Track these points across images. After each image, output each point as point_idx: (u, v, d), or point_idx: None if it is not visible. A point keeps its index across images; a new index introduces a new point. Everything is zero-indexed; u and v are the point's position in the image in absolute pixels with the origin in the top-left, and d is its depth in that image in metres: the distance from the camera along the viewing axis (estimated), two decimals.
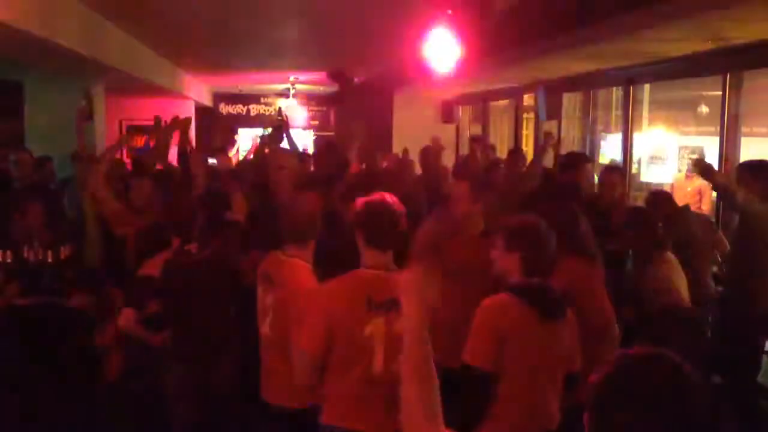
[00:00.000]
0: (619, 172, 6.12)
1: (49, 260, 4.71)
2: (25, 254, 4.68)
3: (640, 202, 7.03)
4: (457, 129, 14.40)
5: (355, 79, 11.91)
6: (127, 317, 3.73)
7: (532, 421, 2.89)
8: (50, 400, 1.54)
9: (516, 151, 7.93)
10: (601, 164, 8.17)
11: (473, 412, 2.91)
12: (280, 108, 12.02)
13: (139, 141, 12.96)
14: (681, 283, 4.42)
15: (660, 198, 5.39)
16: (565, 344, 2.93)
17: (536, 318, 2.86)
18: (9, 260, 4.66)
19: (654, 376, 1.49)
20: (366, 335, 2.81)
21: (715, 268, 5.48)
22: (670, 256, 4.49)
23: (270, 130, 7.61)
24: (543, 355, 2.87)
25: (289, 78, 13.45)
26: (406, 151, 7.54)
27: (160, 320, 3.87)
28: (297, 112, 16.69)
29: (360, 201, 3.04)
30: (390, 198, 3.03)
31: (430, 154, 7.07)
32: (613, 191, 5.52)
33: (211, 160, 5.75)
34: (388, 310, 2.82)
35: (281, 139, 7.15)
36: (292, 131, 7.28)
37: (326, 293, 2.91)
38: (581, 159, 6.18)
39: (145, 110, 11.75)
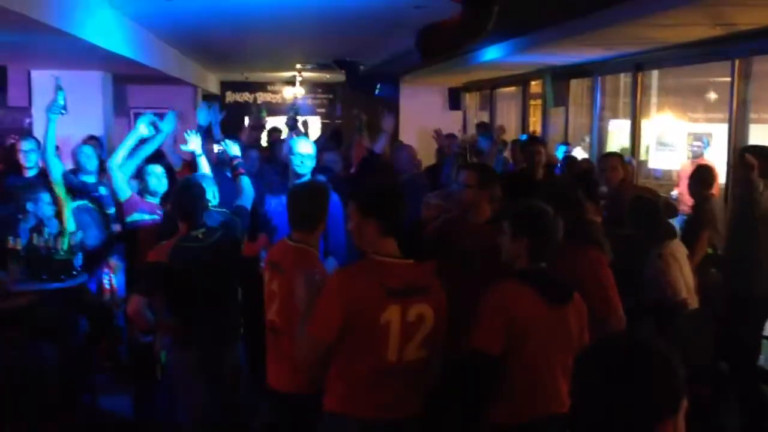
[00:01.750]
0: (619, 156, 6.15)
1: (59, 248, 4.75)
2: (36, 242, 4.73)
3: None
4: (464, 116, 14.37)
5: (361, 67, 11.87)
6: (135, 303, 3.74)
7: (541, 405, 2.90)
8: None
9: (534, 140, 7.82)
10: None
11: (480, 397, 2.92)
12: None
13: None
14: (681, 276, 4.39)
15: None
16: (573, 328, 2.94)
17: (544, 303, 2.87)
18: (20, 247, 4.71)
19: (617, 359, 1.53)
20: (382, 323, 2.75)
21: (710, 250, 5.45)
22: (674, 247, 4.46)
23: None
24: (551, 339, 2.88)
25: (295, 66, 13.44)
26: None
27: (169, 306, 3.89)
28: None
29: (372, 190, 3.01)
30: (398, 185, 3.04)
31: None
32: (616, 175, 5.52)
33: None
34: (404, 297, 2.79)
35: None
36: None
37: (342, 280, 2.87)
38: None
39: (152, 98, 11.77)
